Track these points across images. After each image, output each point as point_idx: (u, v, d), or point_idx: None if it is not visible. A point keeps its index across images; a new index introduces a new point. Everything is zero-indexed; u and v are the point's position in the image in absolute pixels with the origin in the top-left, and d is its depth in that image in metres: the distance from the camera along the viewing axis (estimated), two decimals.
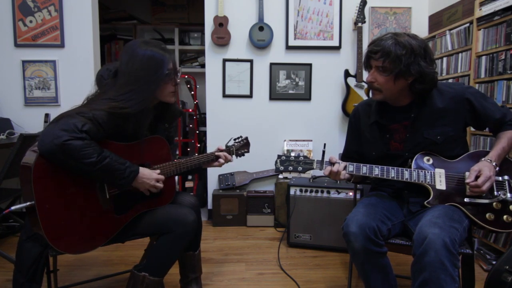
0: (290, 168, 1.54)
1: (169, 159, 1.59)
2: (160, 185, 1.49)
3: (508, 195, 1.43)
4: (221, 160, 1.73)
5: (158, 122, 1.61)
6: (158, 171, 1.52)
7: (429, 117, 1.51)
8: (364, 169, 1.50)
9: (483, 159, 1.46)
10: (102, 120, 1.33)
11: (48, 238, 1.29)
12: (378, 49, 1.44)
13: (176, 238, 1.52)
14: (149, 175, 1.46)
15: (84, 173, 1.32)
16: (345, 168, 1.49)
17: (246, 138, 1.87)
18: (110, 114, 1.35)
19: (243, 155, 1.86)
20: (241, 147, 1.84)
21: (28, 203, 1.27)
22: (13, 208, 1.31)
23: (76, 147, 1.25)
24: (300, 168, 1.53)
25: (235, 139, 1.85)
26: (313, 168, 1.54)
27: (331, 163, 1.50)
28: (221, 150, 1.76)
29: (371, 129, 1.63)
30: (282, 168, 1.54)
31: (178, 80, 1.55)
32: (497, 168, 1.44)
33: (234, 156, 1.81)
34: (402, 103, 1.56)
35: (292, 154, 1.57)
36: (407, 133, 1.55)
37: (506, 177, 1.48)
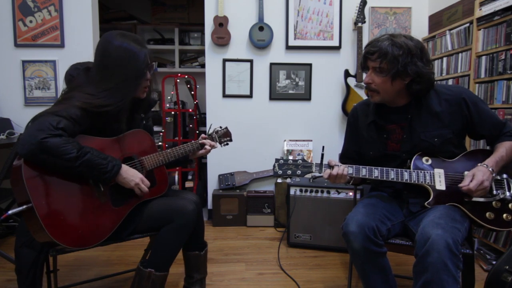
0: (289, 172, 1.52)
1: (154, 151, 1.60)
2: (144, 187, 1.48)
3: (507, 193, 1.43)
4: (207, 147, 1.75)
5: (134, 113, 1.60)
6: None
7: (426, 118, 1.51)
8: (364, 171, 1.50)
9: (479, 164, 1.44)
10: (77, 117, 1.33)
11: (52, 235, 1.27)
12: (375, 49, 1.45)
13: (177, 228, 1.53)
14: (134, 174, 1.46)
15: (68, 170, 1.31)
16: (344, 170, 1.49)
17: (226, 128, 1.90)
18: (86, 110, 1.35)
19: (227, 144, 1.89)
20: (223, 135, 1.87)
21: (25, 206, 1.26)
22: (10, 212, 1.31)
23: (54, 144, 1.24)
24: (299, 172, 1.52)
25: (215, 128, 1.88)
26: (312, 172, 1.53)
27: (330, 166, 1.49)
28: (204, 138, 1.79)
29: (368, 128, 1.63)
30: (280, 172, 1.52)
31: (149, 76, 1.53)
32: (494, 174, 1.43)
33: (218, 144, 1.84)
34: (399, 104, 1.56)
35: (290, 157, 1.56)
36: (404, 134, 1.55)
37: (504, 176, 1.48)
